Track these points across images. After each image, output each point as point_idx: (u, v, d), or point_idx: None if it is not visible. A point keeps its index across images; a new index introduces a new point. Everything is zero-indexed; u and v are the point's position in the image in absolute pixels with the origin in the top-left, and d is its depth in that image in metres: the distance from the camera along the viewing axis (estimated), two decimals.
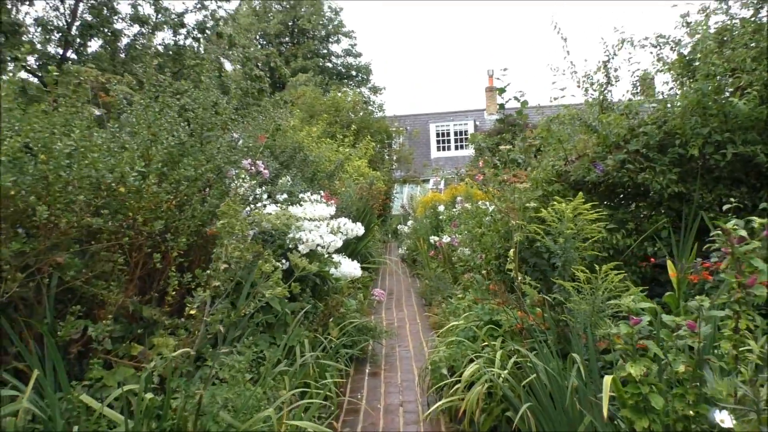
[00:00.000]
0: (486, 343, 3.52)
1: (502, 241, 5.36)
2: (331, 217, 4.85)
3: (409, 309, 8.47)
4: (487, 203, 9.25)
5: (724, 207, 3.96)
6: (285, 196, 4.39)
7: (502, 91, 5.87)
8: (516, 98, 5.83)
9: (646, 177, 4.35)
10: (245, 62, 10.41)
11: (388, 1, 63.70)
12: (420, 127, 32.11)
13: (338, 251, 6.54)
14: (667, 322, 2.23)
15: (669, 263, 3.31)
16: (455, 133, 32.56)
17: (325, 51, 39.48)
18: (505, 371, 3.09)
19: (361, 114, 18.80)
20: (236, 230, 2.31)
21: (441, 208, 10.13)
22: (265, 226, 4.39)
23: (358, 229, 4.77)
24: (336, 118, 17.56)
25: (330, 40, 39.74)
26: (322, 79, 32.37)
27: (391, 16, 62.30)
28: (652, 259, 4.16)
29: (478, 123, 32.46)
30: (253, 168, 4.21)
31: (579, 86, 6.10)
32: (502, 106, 5.94)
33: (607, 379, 2.17)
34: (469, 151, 28.13)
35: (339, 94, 19.20)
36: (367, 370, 5.48)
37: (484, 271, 5.42)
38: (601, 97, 5.34)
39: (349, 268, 4.31)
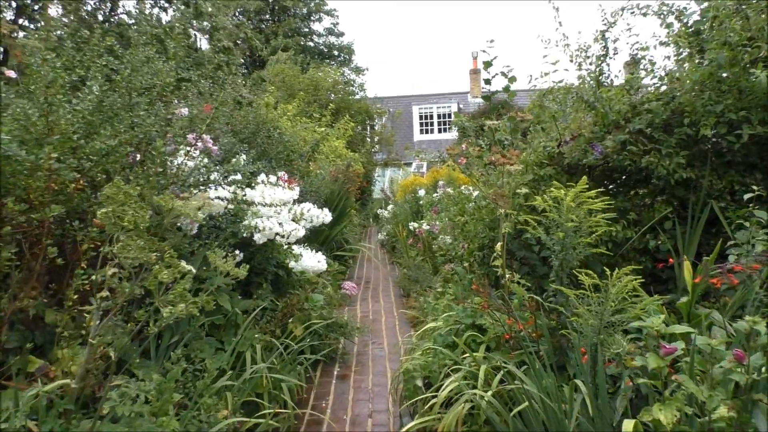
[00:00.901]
0: (467, 355, 2.99)
1: (487, 230, 4.83)
2: (295, 202, 4.26)
3: (386, 300, 7.94)
4: (471, 188, 8.71)
5: (746, 196, 3.47)
6: (238, 177, 3.80)
7: (488, 64, 5.30)
8: (503, 74, 5.28)
9: (650, 160, 3.82)
10: (213, 33, 9.65)
11: None
12: (403, 109, 31.43)
13: (307, 240, 5.96)
14: (701, 346, 1.70)
15: (686, 264, 2.79)
16: (439, 116, 31.97)
17: (307, 30, 38.41)
18: (490, 392, 2.56)
19: (341, 94, 18.07)
20: (126, 222, 1.72)
21: (422, 192, 9.58)
22: (214, 211, 3.80)
23: (325, 215, 4.20)
24: (315, 98, 16.83)
25: (312, 18, 38.69)
26: (303, 58, 31.37)
27: None
28: (670, 260, 3.64)
29: (462, 106, 31.87)
30: (199, 143, 3.60)
31: (572, 60, 5.55)
32: (488, 81, 5.37)
33: (628, 426, 1.64)
34: (453, 135, 27.60)
35: (319, 74, 18.44)
36: (335, 372, 4.94)
37: (466, 264, 4.89)
38: (598, 70, 4.78)
39: (312, 261, 3.75)
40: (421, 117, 32.18)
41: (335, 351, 5.31)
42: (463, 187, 7.91)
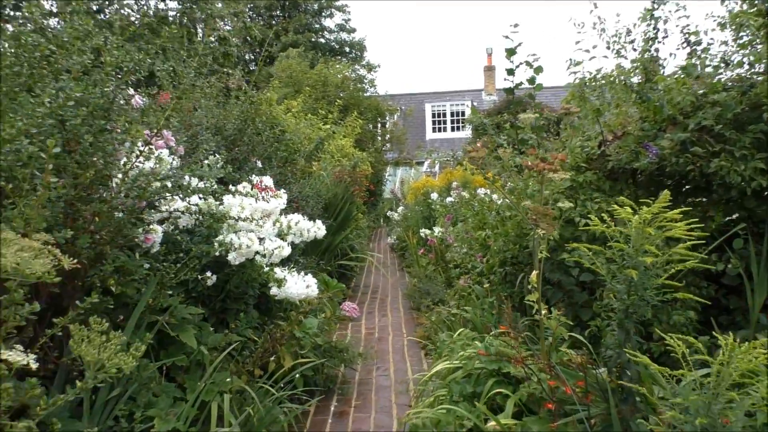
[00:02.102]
0: (493, 423, 2.27)
1: (511, 245, 4.09)
2: (283, 213, 3.56)
3: (394, 313, 7.21)
4: (487, 191, 7.96)
5: None
6: (208, 183, 3.10)
7: (511, 52, 4.58)
8: (528, 63, 4.55)
9: (722, 165, 3.07)
10: (208, 19, 8.98)
11: None
12: (415, 106, 30.65)
13: (303, 251, 5.26)
14: None
15: None
16: (452, 114, 31.19)
17: (318, 26, 37.73)
18: None
19: (350, 90, 17.33)
20: None
21: (434, 196, 8.83)
22: (181, 224, 3.11)
23: (317, 229, 3.49)
24: (323, 94, 16.12)
25: (323, 14, 38.00)
26: (314, 55, 30.59)
27: None
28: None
29: (475, 104, 31.05)
30: (159, 140, 2.91)
31: (609, 47, 4.80)
32: (510, 71, 4.63)
33: None
34: (466, 133, 26.79)
35: (328, 70, 17.71)
36: (332, 408, 4.23)
37: (486, 284, 4.17)
38: (648, 56, 4.02)
39: (298, 287, 3.04)
40: (433, 115, 31.41)
41: (333, 380, 4.60)
42: (480, 191, 7.19)
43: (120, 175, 2.53)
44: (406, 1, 65.30)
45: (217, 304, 3.22)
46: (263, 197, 3.07)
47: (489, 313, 3.93)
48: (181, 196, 2.58)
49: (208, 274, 3.13)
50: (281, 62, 19.11)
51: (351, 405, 4.28)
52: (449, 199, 8.31)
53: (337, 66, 18.20)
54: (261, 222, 3.26)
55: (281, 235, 3.30)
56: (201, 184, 3.11)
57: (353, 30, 38.57)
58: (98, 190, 2.47)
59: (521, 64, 4.60)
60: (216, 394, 2.78)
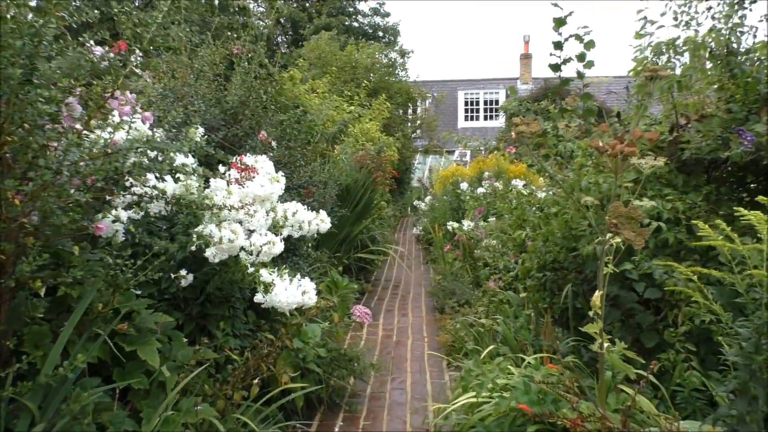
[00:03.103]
0: None
1: (554, 246, 3.41)
2: (281, 199, 2.95)
3: (415, 314, 6.59)
4: (522, 182, 7.25)
5: None
6: (186, 159, 2.51)
7: (560, 23, 3.91)
8: (577, 37, 3.88)
9: None
10: None
11: None
12: (447, 94, 29.75)
13: (316, 245, 4.68)
14: None
15: None
16: (485, 102, 30.22)
17: (352, 9, 36.95)
18: None
19: (381, 73, 16.61)
20: None
21: (464, 185, 8.14)
22: (153, 210, 2.54)
23: (320, 221, 2.87)
24: (352, 76, 15.46)
25: None
26: (347, 39, 29.84)
27: None
28: None
29: (509, 93, 30.00)
30: (124, 106, 2.32)
31: (677, 18, 4.06)
32: (558, 44, 3.95)
33: None
34: (500, 122, 25.85)
35: (360, 53, 16.98)
36: (336, 428, 3.65)
37: (522, 291, 3.52)
38: (730, 24, 3.28)
39: (289, 295, 2.40)
40: (466, 103, 30.49)
41: (340, 393, 4.02)
42: (518, 182, 6.49)
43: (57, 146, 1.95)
44: None
45: (194, 308, 2.64)
46: (237, 179, 2.45)
47: (525, 327, 3.28)
48: (148, 178, 2.00)
49: (183, 272, 2.56)
50: (310, 43, 18.50)
51: (359, 426, 3.69)
52: (480, 189, 7.62)
53: (368, 49, 17.49)
54: (252, 210, 2.66)
55: (276, 228, 2.69)
56: (178, 161, 2.53)
57: (387, 14, 37.68)
58: (27, 165, 1.90)
59: (570, 37, 3.93)
60: (179, 425, 2.20)
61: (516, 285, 3.96)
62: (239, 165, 2.49)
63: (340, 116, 9.19)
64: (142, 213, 2.51)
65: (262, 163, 2.82)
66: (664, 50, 2.94)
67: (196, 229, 2.53)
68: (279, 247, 2.49)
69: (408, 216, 16.95)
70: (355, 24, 36.79)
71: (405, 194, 17.52)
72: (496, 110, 29.46)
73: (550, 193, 3.34)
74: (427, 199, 12.80)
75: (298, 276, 2.56)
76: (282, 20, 36.15)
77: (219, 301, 2.70)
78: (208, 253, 2.43)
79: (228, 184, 2.46)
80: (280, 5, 10.53)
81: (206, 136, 2.67)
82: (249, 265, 2.40)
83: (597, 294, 1.79)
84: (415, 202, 14.58)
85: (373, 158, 7.34)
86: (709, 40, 2.95)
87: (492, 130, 25.75)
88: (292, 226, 2.76)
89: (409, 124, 19.30)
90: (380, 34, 37.16)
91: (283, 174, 2.94)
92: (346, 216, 5.39)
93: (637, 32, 4.15)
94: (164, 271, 2.63)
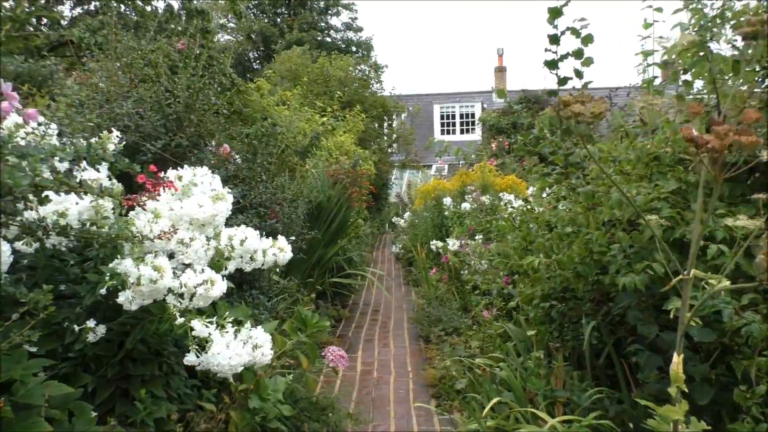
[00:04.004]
0: None
1: (568, 273, 2.83)
2: (234, 223, 2.32)
3: (397, 342, 5.96)
4: (510, 196, 6.71)
5: None
6: (102, 173, 1.88)
7: (555, 13, 3.43)
8: (574, 31, 3.39)
9: None
10: None
11: None
12: (423, 108, 29.40)
13: (284, 272, 4.05)
14: None
15: None
16: (461, 116, 29.95)
17: (324, 24, 36.53)
18: None
19: (355, 85, 16.05)
20: None
21: (448, 201, 7.56)
22: (50, 243, 1.90)
23: (277, 250, 2.22)
24: (325, 89, 14.87)
25: (329, 12, 36.86)
26: (319, 53, 29.18)
27: None
28: None
29: (485, 106, 29.81)
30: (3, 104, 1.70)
31: None
32: (554, 38, 3.46)
33: None
34: (476, 136, 25.52)
35: (332, 65, 16.41)
36: None
37: (529, 328, 2.93)
38: None
39: (233, 354, 1.75)
40: (442, 117, 30.19)
41: None
42: (503, 194, 5.94)
43: None
44: (414, 0, 64.24)
45: (110, 369, 1.98)
46: (138, 200, 1.81)
47: (535, 372, 2.68)
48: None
49: (91, 323, 1.90)
50: (281, 56, 17.93)
51: None
52: (465, 205, 7.05)
53: (341, 62, 16.95)
54: (187, 238, 2.02)
55: (218, 261, 2.06)
56: (85, 175, 1.91)
57: (360, 29, 37.37)
58: None
59: (565, 31, 3.44)
60: None
61: (517, 317, 3.38)
62: (147, 178, 1.87)
63: (312, 128, 8.59)
64: (35, 245, 1.87)
65: (203, 177, 2.19)
66: (709, 24, 2.38)
67: (109, 266, 1.89)
68: (220, 288, 1.86)
69: (386, 233, 16.39)
70: (328, 39, 36.32)
71: (383, 210, 16.98)
72: (473, 123, 29.21)
73: (560, 206, 2.76)
74: (407, 215, 12.23)
75: (248, 325, 1.93)
76: (252, 35, 35.53)
77: (145, 358, 2.05)
78: (122, 298, 1.78)
79: (134, 207, 1.83)
80: (242, 9, 9.91)
81: (144, 146, 2.03)
82: (178, 314, 1.76)
83: (676, 359, 1.21)
84: (394, 219, 14.02)
85: (348, 172, 6.74)
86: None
87: (468, 144, 25.39)
88: (242, 257, 2.14)
89: (386, 138, 18.77)
90: (353, 49, 36.75)
91: (239, 191, 2.32)
92: (313, 239, 4.76)
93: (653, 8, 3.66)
94: (69, 321, 1.98)
